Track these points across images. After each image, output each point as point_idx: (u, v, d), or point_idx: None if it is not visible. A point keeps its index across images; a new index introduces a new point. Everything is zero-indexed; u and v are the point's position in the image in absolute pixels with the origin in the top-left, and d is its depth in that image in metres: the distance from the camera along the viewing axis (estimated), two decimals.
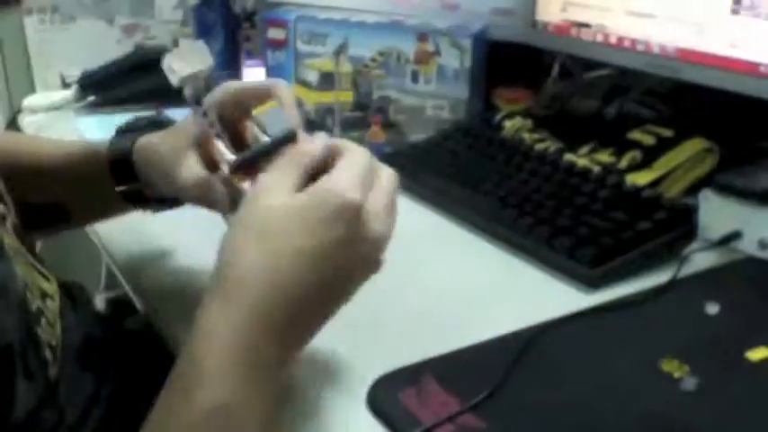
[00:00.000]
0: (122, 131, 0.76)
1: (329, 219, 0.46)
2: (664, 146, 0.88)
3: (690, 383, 0.55)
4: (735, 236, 0.75)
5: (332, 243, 0.46)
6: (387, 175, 0.53)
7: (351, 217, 0.47)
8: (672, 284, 0.69)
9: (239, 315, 0.45)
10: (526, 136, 0.98)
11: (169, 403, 0.45)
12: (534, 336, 0.61)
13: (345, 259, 0.47)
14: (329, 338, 0.62)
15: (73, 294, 0.67)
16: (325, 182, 0.48)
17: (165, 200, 0.71)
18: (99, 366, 0.63)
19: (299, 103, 0.60)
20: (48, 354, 0.53)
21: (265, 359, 0.46)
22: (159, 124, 0.75)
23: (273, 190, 0.48)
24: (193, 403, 0.44)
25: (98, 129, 1.06)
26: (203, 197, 0.63)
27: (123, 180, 0.69)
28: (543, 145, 0.95)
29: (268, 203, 0.48)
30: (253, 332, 0.45)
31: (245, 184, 0.58)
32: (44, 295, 0.57)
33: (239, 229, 0.48)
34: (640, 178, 0.84)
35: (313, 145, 0.51)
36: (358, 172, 0.49)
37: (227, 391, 0.44)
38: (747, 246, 0.75)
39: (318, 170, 0.50)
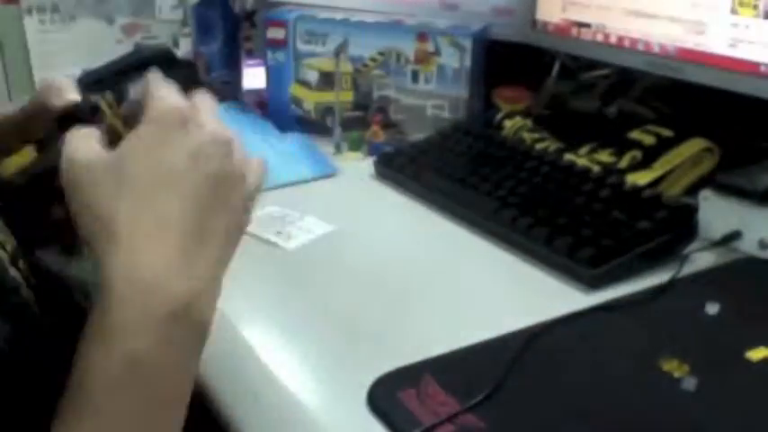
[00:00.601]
0: None
1: (208, 150, 0.49)
2: (664, 146, 0.88)
3: (690, 383, 0.55)
4: (735, 236, 0.75)
5: (211, 174, 0.48)
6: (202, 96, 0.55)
7: (179, 121, 0.49)
8: (672, 284, 0.69)
9: (142, 257, 0.45)
10: (526, 136, 0.98)
11: (78, 364, 0.44)
12: (534, 336, 0.61)
13: (222, 189, 0.48)
14: (329, 338, 0.63)
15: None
16: (144, 117, 0.49)
17: None
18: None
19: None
20: (14, 274, 0.52)
21: (181, 298, 0.45)
22: None
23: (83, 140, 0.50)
24: (105, 355, 0.43)
25: None
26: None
27: None
28: (543, 145, 0.95)
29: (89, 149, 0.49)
30: (163, 268, 0.45)
31: None
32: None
33: (75, 178, 0.48)
34: (640, 178, 0.84)
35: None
36: (163, 94, 0.52)
37: (140, 340, 0.43)
38: (747, 246, 0.75)
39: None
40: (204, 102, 0.54)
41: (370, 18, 1.06)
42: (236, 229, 0.51)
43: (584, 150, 0.92)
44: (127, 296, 0.44)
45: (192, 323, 0.46)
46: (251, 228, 0.80)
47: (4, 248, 0.54)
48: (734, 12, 0.81)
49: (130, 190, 0.47)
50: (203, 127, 0.51)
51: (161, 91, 0.52)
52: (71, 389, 0.44)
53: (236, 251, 0.51)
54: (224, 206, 0.49)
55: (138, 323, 0.44)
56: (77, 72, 1.34)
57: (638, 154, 0.88)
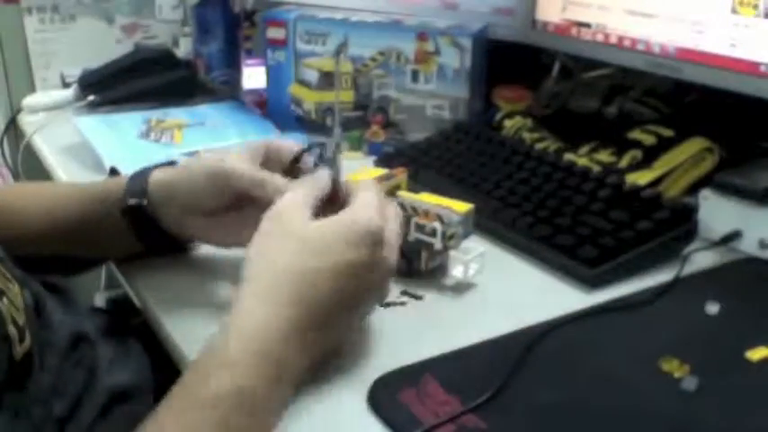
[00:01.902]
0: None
1: (358, 242, 0.54)
2: (664, 145, 0.88)
3: (690, 383, 0.55)
4: (735, 236, 0.75)
5: (357, 265, 0.54)
6: (394, 211, 0.60)
7: (373, 242, 0.54)
8: (672, 284, 0.69)
9: (267, 315, 0.51)
10: (526, 135, 0.98)
11: (186, 383, 0.48)
12: (535, 336, 0.61)
13: (364, 281, 0.55)
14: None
15: (62, 294, 0.68)
16: (351, 211, 0.56)
17: (172, 239, 0.72)
18: (92, 362, 0.64)
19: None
20: (12, 330, 0.53)
21: (284, 358, 0.50)
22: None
23: (300, 204, 0.56)
24: (209, 384, 0.47)
25: (98, 129, 1.06)
26: (257, 185, 0.64)
27: (140, 225, 0.70)
28: (543, 144, 0.95)
29: (302, 218, 0.55)
30: (279, 333, 0.51)
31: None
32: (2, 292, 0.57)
33: (277, 231, 0.55)
34: (640, 178, 0.84)
35: (325, 175, 0.60)
36: (376, 205, 0.56)
37: (243, 377, 0.48)
38: (747, 246, 0.75)
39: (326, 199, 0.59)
40: (393, 223, 0.59)
41: (370, 18, 1.06)
42: (361, 315, 0.59)
43: (584, 150, 0.92)
44: (243, 342, 0.50)
45: (283, 387, 0.51)
46: None
47: (5, 297, 0.55)
48: (734, 12, 0.81)
49: (300, 270, 0.53)
50: (388, 259, 0.56)
51: (367, 204, 0.57)
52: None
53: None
54: (359, 316, 0.58)
55: (248, 365, 0.49)
56: (77, 72, 1.34)
57: (638, 154, 0.88)
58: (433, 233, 0.68)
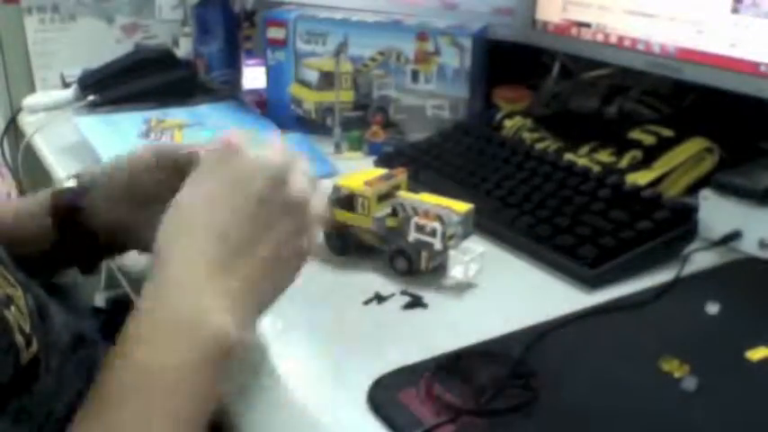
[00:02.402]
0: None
1: (254, 176, 0.53)
2: (664, 145, 0.88)
3: (690, 383, 0.55)
4: (735, 236, 0.75)
5: (255, 196, 0.53)
6: (305, 165, 0.59)
7: (272, 176, 0.54)
8: (672, 284, 0.69)
9: (182, 270, 0.50)
10: (526, 135, 0.98)
11: (109, 362, 0.49)
12: (535, 336, 0.61)
13: (267, 213, 0.53)
14: (329, 338, 0.63)
15: (63, 295, 0.68)
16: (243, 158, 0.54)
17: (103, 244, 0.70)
18: (93, 363, 0.64)
19: None
20: (19, 338, 0.53)
21: (189, 312, 0.49)
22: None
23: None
24: (125, 362, 0.48)
25: (98, 129, 1.06)
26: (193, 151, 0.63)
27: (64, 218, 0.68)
28: (543, 144, 0.95)
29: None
30: (198, 283, 0.50)
31: None
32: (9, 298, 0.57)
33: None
34: (640, 178, 0.84)
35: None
36: (278, 153, 0.56)
37: (157, 352, 0.47)
38: (747, 246, 0.75)
39: None
40: (272, 141, 0.58)
41: (370, 18, 1.06)
42: (283, 254, 0.54)
43: (584, 150, 0.92)
44: (148, 308, 0.49)
45: (206, 335, 0.48)
46: None
47: (13, 305, 0.55)
48: (734, 12, 0.81)
49: (178, 213, 0.53)
50: (249, 155, 0.55)
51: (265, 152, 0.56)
52: (89, 396, 0.48)
53: (289, 278, 0.56)
54: (267, 230, 0.54)
55: (154, 334, 0.48)
56: (77, 72, 1.34)
57: (638, 154, 0.88)
58: (433, 233, 0.68)
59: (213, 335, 0.48)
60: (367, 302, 0.67)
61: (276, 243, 0.54)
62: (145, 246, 0.69)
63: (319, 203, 0.58)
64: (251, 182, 0.54)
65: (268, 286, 0.54)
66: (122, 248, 0.72)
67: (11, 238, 0.66)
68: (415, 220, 0.69)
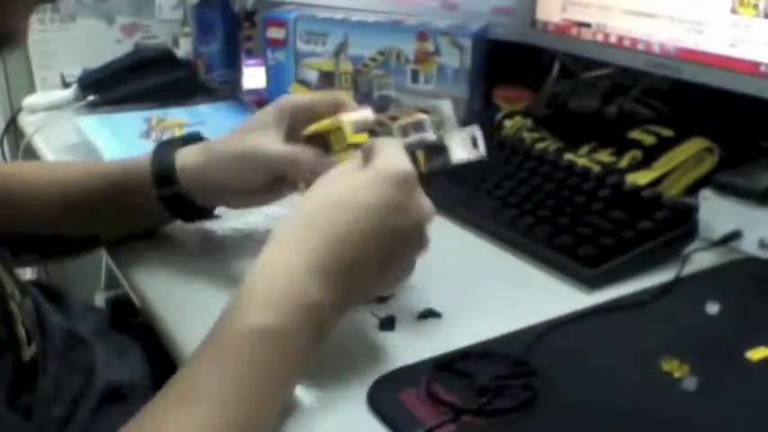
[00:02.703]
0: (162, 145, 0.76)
1: (387, 186, 0.54)
2: (664, 145, 0.88)
3: (690, 383, 0.55)
4: (735, 236, 0.75)
5: (387, 207, 0.54)
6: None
7: (405, 184, 0.54)
8: (672, 284, 0.69)
9: (295, 258, 0.52)
10: (526, 135, 0.98)
11: (218, 325, 0.50)
12: (535, 336, 0.61)
13: (397, 224, 0.54)
14: (330, 338, 0.63)
15: (57, 296, 0.68)
16: (380, 161, 0.55)
17: (203, 210, 0.74)
18: (89, 363, 0.64)
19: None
20: (21, 331, 0.54)
21: (314, 300, 0.51)
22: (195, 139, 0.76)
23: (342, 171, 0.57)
24: (241, 322, 0.49)
25: (98, 128, 1.06)
26: (291, 165, 0.66)
27: (166, 190, 0.71)
28: (543, 144, 0.95)
29: (338, 179, 0.57)
30: (307, 274, 0.51)
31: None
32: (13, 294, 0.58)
33: (312, 195, 0.56)
34: (640, 178, 0.84)
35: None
36: (403, 153, 0.57)
37: (274, 317, 0.49)
38: (747, 245, 0.75)
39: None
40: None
41: (370, 18, 1.06)
42: (387, 280, 0.58)
43: (584, 150, 0.92)
44: (273, 279, 0.52)
45: (311, 324, 0.51)
46: (250, 226, 0.80)
47: (14, 301, 0.55)
48: (734, 12, 0.81)
49: (323, 212, 0.54)
50: (421, 203, 0.56)
51: (394, 153, 0.57)
52: (197, 350, 0.49)
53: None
54: (396, 262, 0.56)
55: (277, 303, 0.50)
56: (77, 72, 1.34)
57: (638, 154, 0.88)
58: (421, 126, 0.63)
59: (316, 309, 0.51)
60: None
61: (390, 266, 0.56)
62: (237, 204, 0.74)
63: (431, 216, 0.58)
64: (403, 214, 0.54)
65: (366, 295, 0.59)
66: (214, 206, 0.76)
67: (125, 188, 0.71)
68: (399, 123, 0.64)
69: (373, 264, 0.54)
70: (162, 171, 0.70)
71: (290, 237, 0.54)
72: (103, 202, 0.72)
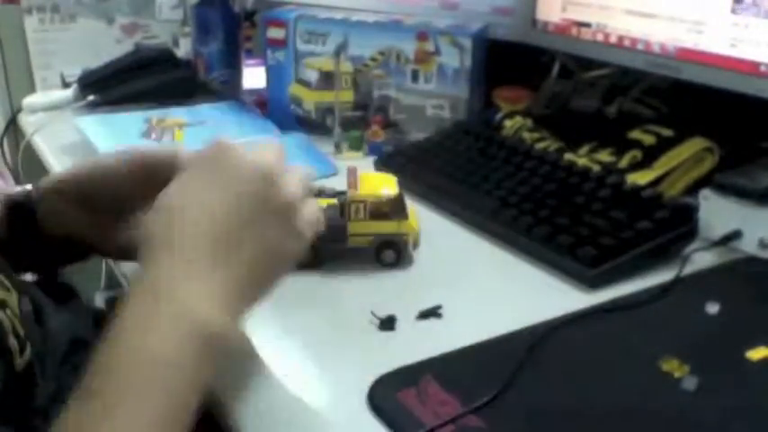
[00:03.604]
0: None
1: (245, 175, 0.54)
2: (664, 145, 0.88)
3: (690, 383, 0.55)
4: (735, 235, 0.75)
5: (245, 195, 0.53)
6: (299, 171, 0.59)
7: (263, 176, 0.54)
8: (672, 284, 0.69)
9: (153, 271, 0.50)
10: (526, 135, 0.98)
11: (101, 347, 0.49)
12: (535, 337, 0.61)
13: (256, 212, 0.53)
14: (329, 338, 0.63)
15: (61, 296, 0.67)
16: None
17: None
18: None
19: None
20: (13, 342, 0.53)
21: (183, 299, 0.49)
22: None
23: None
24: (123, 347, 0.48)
25: (98, 128, 1.06)
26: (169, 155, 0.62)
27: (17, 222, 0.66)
28: (543, 144, 0.95)
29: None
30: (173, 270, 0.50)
31: None
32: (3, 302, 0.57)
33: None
34: (640, 178, 0.84)
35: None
36: (271, 154, 0.56)
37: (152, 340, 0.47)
38: (747, 245, 0.75)
39: None
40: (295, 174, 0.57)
41: (370, 18, 1.06)
42: (271, 255, 0.54)
43: (584, 150, 0.92)
44: (138, 299, 0.49)
45: (194, 324, 0.48)
46: None
47: (7, 308, 0.55)
48: (734, 12, 0.81)
49: (164, 211, 0.53)
50: (241, 155, 0.55)
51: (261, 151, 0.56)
52: (83, 384, 0.47)
53: (276, 278, 0.55)
54: (255, 229, 0.53)
55: (144, 322, 0.48)
56: (77, 72, 1.34)
57: (638, 154, 0.88)
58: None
59: (201, 324, 0.48)
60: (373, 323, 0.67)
61: (263, 243, 0.53)
62: (109, 252, 0.69)
63: (311, 209, 0.58)
64: (241, 181, 0.54)
65: (255, 284, 0.54)
66: (84, 255, 0.70)
67: None
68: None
69: (235, 245, 0.52)
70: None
71: (153, 246, 0.52)
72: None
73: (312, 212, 0.58)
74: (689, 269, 0.72)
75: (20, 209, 0.66)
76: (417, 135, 1.02)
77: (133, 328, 0.48)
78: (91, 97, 1.18)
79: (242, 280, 0.52)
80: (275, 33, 1.08)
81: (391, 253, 0.72)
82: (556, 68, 1.12)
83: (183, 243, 0.51)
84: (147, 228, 0.53)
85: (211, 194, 0.53)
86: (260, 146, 0.56)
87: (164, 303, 0.49)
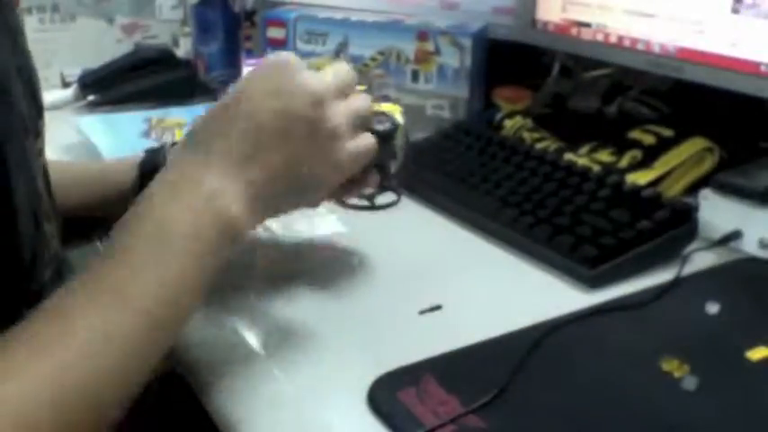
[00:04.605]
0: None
1: (262, 74, 0.56)
2: (664, 145, 0.88)
3: (690, 383, 0.55)
4: (735, 235, 0.75)
5: (292, 115, 0.54)
6: (361, 98, 0.60)
7: (283, 68, 0.55)
8: (672, 284, 0.69)
9: (189, 157, 0.55)
10: (526, 135, 0.98)
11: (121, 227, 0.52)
12: (535, 337, 0.61)
13: (286, 106, 0.54)
14: (329, 338, 0.63)
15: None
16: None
17: None
18: None
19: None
20: (53, 247, 0.57)
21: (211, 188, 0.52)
22: None
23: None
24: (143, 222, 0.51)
25: (98, 128, 1.06)
26: None
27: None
28: (543, 144, 0.95)
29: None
30: (201, 167, 0.53)
31: None
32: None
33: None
34: (640, 178, 0.84)
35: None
36: (331, 76, 0.57)
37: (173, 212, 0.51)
38: (747, 245, 0.75)
39: None
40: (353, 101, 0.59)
41: (370, 18, 1.06)
42: (302, 179, 0.56)
43: (584, 150, 0.92)
44: (171, 173, 0.54)
45: (215, 206, 0.52)
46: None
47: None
48: (734, 12, 0.81)
49: (212, 109, 0.56)
50: (298, 73, 0.56)
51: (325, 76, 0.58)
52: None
53: (311, 198, 0.59)
54: (293, 150, 0.55)
55: (171, 192, 0.52)
56: (77, 72, 1.34)
57: (638, 154, 0.88)
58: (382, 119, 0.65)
59: (221, 207, 0.51)
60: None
61: (298, 165, 0.55)
62: None
63: (360, 143, 0.58)
64: (293, 99, 0.55)
65: (280, 199, 0.56)
66: None
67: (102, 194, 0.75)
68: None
69: (273, 152, 0.54)
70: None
71: (196, 138, 0.56)
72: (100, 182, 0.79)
73: (359, 147, 0.58)
74: (689, 269, 0.72)
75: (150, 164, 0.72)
76: (417, 135, 1.02)
77: (159, 197, 0.52)
78: (91, 97, 1.18)
79: (267, 190, 0.54)
80: (275, 33, 1.08)
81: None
82: (556, 68, 1.12)
83: (215, 138, 0.54)
84: (199, 118, 0.56)
85: (262, 104, 0.54)
86: (327, 67, 0.57)
87: (189, 183, 0.52)
